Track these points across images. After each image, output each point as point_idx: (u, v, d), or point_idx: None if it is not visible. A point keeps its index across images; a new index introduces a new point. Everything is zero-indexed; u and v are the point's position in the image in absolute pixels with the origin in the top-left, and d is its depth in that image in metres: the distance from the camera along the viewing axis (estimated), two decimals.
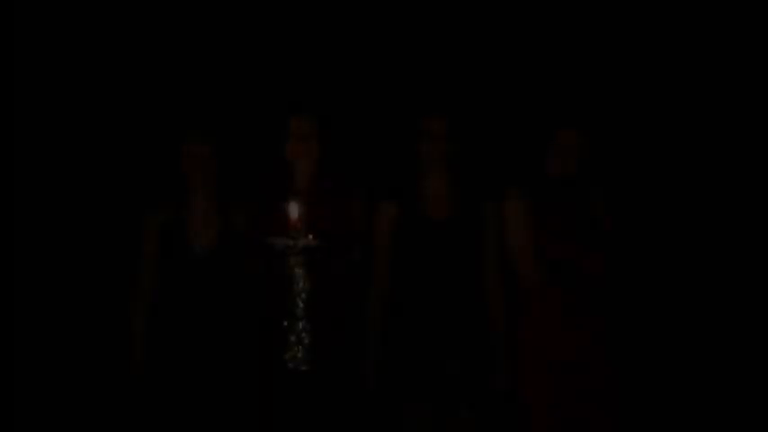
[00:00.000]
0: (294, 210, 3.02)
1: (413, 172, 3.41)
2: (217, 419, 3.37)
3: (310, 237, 3.05)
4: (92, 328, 4.33)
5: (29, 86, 4.26)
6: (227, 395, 3.37)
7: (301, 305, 3.28)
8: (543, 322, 3.26)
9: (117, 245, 4.15)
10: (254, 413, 3.30)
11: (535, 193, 3.32)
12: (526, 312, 3.31)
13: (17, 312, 4.23)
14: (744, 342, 4.28)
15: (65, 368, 4.29)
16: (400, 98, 4.23)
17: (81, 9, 4.34)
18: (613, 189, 3.38)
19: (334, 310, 3.29)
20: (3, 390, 4.16)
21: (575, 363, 3.23)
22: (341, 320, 3.31)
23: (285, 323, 3.28)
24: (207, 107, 4.35)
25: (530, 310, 3.30)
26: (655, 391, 4.24)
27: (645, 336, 4.20)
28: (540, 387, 3.24)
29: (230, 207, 3.48)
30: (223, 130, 3.57)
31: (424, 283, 3.32)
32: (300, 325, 3.28)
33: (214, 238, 3.41)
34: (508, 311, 3.36)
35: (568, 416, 3.23)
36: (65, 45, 4.30)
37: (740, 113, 4.26)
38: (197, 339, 3.37)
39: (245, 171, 3.47)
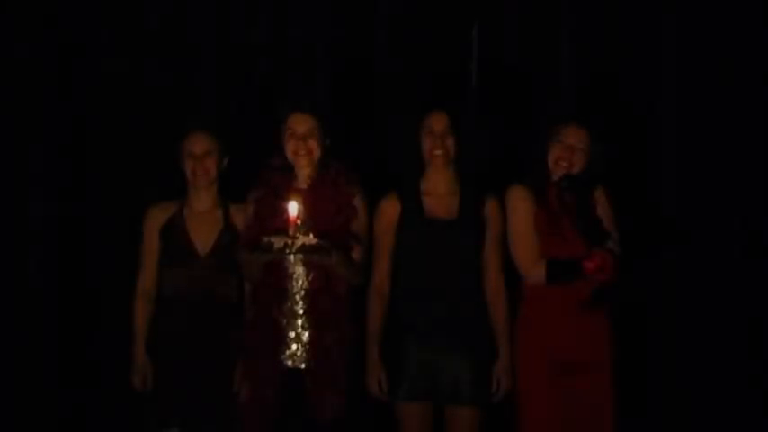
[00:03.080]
0: (294, 208, 3.01)
1: (414, 169, 3.41)
2: (216, 418, 3.37)
3: (310, 235, 3.04)
4: (93, 326, 4.34)
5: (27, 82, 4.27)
6: (226, 393, 3.36)
7: (300, 303, 3.28)
8: (544, 322, 3.25)
9: (119, 243, 4.15)
10: (254, 411, 3.29)
11: (539, 192, 3.30)
12: (528, 311, 3.31)
13: (18, 309, 4.24)
14: (746, 342, 4.28)
15: (68, 365, 4.30)
16: (401, 95, 4.24)
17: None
18: (616, 188, 3.37)
19: (333, 309, 3.28)
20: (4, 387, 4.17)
21: (576, 362, 3.23)
22: (340, 319, 3.30)
23: (284, 321, 3.28)
24: (207, 105, 4.36)
25: (531, 310, 3.29)
26: (655, 391, 4.24)
27: (647, 336, 4.20)
28: (540, 386, 3.23)
29: (230, 205, 3.48)
30: (224, 128, 3.58)
31: (425, 281, 3.31)
32: (299, 323, 3.28)
33: (214, 238, 3.41)
34: (510, 310, 3.35)
35: (568, 416, 3.22)
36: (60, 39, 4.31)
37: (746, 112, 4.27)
38: (197, 338, 3.36)
39: (246, 169, 3.46)
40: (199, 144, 3.43)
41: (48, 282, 4.26)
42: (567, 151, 3.26)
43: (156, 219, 3.47)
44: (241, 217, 3.43)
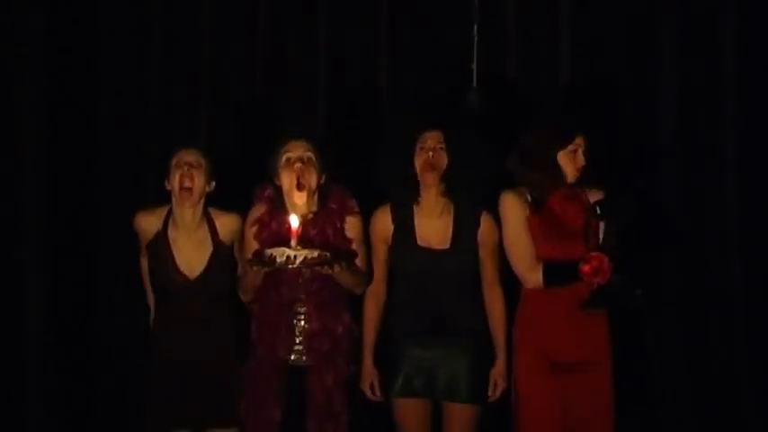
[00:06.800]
0: (295, 220, 2.99)
1: (407, 186, 3.38)
2: (217, 415, 3.38)
3: (310, 249, 3.02)
4: (93, 326, 4.35)
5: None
6: (227, 391, 3.37)
7: (302, 305, 3.29)
8: (543, 323, 3.25)
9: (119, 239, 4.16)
10: (258, 411, 3.30)
11: (539, 196, 3.29)
12: (526, 313, 3.30)
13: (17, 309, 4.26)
14: (745, 342, 4.28)
15: (68, 365, 4.31)
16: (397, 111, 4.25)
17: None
18: (613, 190, 3.36)
19: (334, 311, 3.29)
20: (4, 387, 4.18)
21: (574, 363, 3.22)
22: (341, 319, 3.31)
23: (288, 320, 3.28)
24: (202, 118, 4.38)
25: (529, 311, 3.29)
26: (655, 390, 4.24)
27: (647, 336, 4.20)
28: (539, 388, 3.23)
29: (215, 217, 3.42)
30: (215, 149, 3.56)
31: (420, 299, 3.32)
32: (302, 324, 3.29)
33: (204, 262, 3.37)
34: (507, 313, 3.36)
35: (567, 417, 3.21)
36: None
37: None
38: (196, 338, 3.37)
39: (243, 181, 3.45)
40: (188, 155, 3.36)
41: (47, 280, 4.27)
42: (579, 157, 3.24)
43: (142, 230, 3.42)
44: (228, 229, 3.39)
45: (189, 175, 3.33)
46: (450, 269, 3.31)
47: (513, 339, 3.32)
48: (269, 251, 3.02)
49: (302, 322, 3.29)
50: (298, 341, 3.30)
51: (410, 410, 3.33)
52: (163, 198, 3.45)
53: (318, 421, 3.27)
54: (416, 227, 3.35)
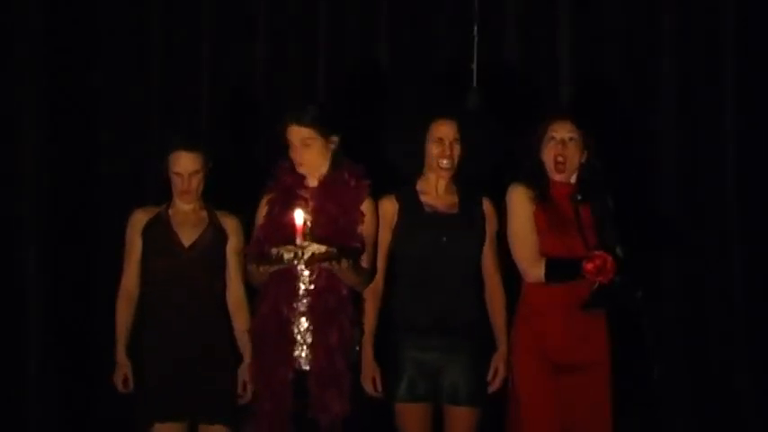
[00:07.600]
0: (300, 216, 2.98)
1: (413, 169, 3.40)
2: (208, 409, 3.38)
3: (317, 245, 3.01)
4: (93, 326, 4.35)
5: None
6: (218, 390, 3.38)
7: (305, 304, 3.27)
8: (542, 321, 3.25)
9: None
10: (270, 412, 3.27)
11: (539, 191, 3.29)
12: (526, 311, 3.30)
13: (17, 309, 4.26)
14: (745, 342, 4.28)
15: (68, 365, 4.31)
16: (402, 95, 4.24)
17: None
18: (617, 187, 3.37)
19: (337, 310, 3.26)
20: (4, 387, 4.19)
21: (573, 362, 3.23)
22: (343, 319, 3.28)
23: (292, 321, 3.26)
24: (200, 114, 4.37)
25: (529, 309, 3.29)
26: (655, 391, 4.24)
27: (647, 335, 4.20)
28: (538, 386, 3.23)
29: (216, 211, 3.47)
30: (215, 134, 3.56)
31: (425, 275, 3.31)
32: (303, 323, 3.27)
33: (198, 232, 3.40)
34: (508, 308, 3.36)
35: (566, 415, 3.22)
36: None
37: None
38: (183, 332, 3.37)
39: (242, 181, 3.45)
40: (184, 164, 3.37)
41: (47, 280, 4.27)
42: (560, 146, 3.26)
43: (138, 220, 3.46)
44: (228, 223, 3.44)
45: (188, 182, 3.38)
46: (458, 233, 3.31)
47: (512, 338, 3.33)
48: (275, 249, 3.00)
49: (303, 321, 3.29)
50: (301, 347, 3.28)
51: (414, 415, 3.32)
52: (163, 198, 3.49)
53: (320, 386, 3.21)
54: (422, 200, 3.37)
